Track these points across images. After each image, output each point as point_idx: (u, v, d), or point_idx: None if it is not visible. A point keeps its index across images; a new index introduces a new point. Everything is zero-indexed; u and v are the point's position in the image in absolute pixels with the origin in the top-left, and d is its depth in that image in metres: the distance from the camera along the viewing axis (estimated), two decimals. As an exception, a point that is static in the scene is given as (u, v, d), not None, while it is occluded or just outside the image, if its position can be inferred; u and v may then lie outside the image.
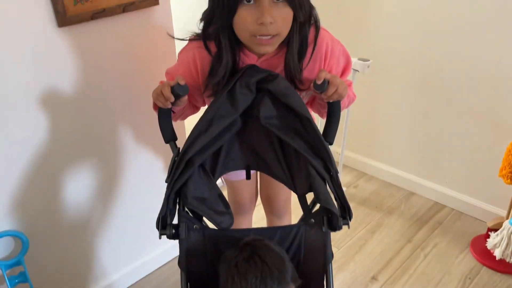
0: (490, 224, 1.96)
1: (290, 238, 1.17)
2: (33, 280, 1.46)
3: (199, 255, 1.15)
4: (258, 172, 1.57)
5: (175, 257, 2.01)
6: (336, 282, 1.86)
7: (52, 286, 1.62)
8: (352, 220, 2.19)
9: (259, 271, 0.99)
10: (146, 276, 1.93)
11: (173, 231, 1.10)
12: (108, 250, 1.76)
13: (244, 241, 1.08)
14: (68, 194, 1.55)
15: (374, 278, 1.90)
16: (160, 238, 1.09)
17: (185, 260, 1.12)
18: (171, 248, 1.99)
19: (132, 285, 1.89)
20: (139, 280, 1.91)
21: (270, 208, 1.63)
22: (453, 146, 2.18)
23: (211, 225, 1.17)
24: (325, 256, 1.11)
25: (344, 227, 1.09)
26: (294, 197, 1.60)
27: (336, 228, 1.09)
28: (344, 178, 2.56)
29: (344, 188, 1.16)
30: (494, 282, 1.85)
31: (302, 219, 1.20)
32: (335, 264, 1.93)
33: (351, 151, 2.63)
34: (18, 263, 1.44)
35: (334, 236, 2.07)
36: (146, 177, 1.76)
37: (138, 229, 1.82)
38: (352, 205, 1.11)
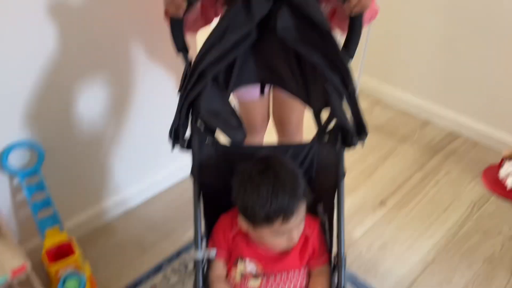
0: (505, 153, 1.94)
1: (302, 155, 1.16)
2: (49, 189, 1.51)
3: (211, 168, 1.16)
4: (271, 93, 1.54)
5: (188, 176, 2.03)
6: (344, 205, 1.88)
7: (68, 198, 1.68)
8: (365, 146, 2.22)
9: (271, 184, 0.99)
10: (159, 193, 1.98)
11: (186, 143, 1.10)
12: (121, 166, 1.78)
13: (260, 156, 1.08)
14: (81, 108, 1.55)
15: (382, 203, 1.92)
16: (172, 149, 1.10)
17: (197, 171, 1.13)
18: (183, 167, 1.99)
19: (144, 201, 1.94)
20: (151, 197, 1.96)
21: (282, 130, 1.62)
22: (475, 74, 2.10)
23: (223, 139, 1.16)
24: (337, 174, 1.10)
25: (358, 147, 1.08)
26: (306, 119, 1.60)
27: (350, 145, 1.08)
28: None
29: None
30: (502, 210, 1.86)
31: (316, 137, 1.18)
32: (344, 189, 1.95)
33: (368, 75, 2.53)
34: (35, 172, 1.47)
35: (346, 161, 2.07)
36: (159, 92, 1.73)
37: (150, 146, 1.83)
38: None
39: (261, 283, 1.11)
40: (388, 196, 1.95)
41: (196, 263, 1.06)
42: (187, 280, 1.60)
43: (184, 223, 1.83)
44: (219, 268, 1.13)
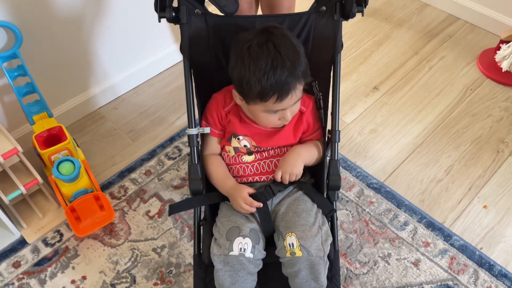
0: (503, 35, 1.87)
1: (299, 27, 1.10)
2: (34, 77, 1.44)
3: (201, 43, 1.10)
4: None
5: (178, 63, 1.98)
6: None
7: (53, 86, 1.62)
8: (359, 31, 2.13)
9: (270, 58, 0.94)
10: (148, 80, 1.93)
11: (173, 14, 1.02)
12: (106, 50, 1.70)
13: (261, 27, 1.01)
14: (56, -16, 1.41)
15: (376, 88, 1.90)
16: (159, 21, 1.03)
17: (187, 46, 1.07)
18: (173, 52, 1.94)
19: (133, 88, 1.90)
20: (141, 84, 1.91)
21: None
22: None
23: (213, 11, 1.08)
24: (334, 46, 1.06)
25: (358, 15, 1.02)
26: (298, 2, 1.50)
27: (349, 15, 1.02)
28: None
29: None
30: (495, 93, 1.86)
31: (313, 7, 1.11)
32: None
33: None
34: (14, 55, 1.39)
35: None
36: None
37: (138, 29, 1.74)
38: (359, 14, 1.02)
39: (254, 158, 1.11)
40: (381, 82, 1.92)
41: (190, 139, 1.06)
42: (181, 164, 1.63)
43: (175, 111, 1.81)
44: (213, 144, 1.14)
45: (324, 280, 1.01)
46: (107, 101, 1.83)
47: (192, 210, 1.22)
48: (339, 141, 1.07)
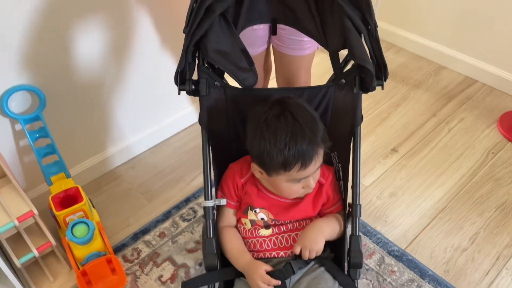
0: (524, 99, 1.85)
1: (317, 99, 1.10)
2: (54, 138, 1.46)
3: (220, 114, 1.10)
4: (272, 50, 1.45)
5: (195, 123, 1.99)
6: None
7: (72, 146, 1.64)
8: (376, 92, 2.13)
9: (290, 128, 0.93)
10: (164, 141, 1.93)
11: (193, 87, 1.03)
12: (124, 112, 1.72)
13: (275, 98, 1.01)
14: (80, 50, 1.46)
15: (394, 150, 1.87)
16: (179, 93, 1.03)
17: (206, 118, 1.06)
18: (190, 114, 1.95)
19: (149, 148, 1.90)
20: (157, 145, 1.92)
21: None
22: (492, 18, 1.96)
23: (232, 83, 1.09)
24: (354, 118, 1.05)
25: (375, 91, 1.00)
26: (314, 70, 1.52)
27: (369, 89, 1.01)
28: (371, 49, 2.41)
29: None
30: (518, 157, 1.81)
31: (332, 80, 1.12)
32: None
33: (380, 20, 2.41)
34: (37, 118, 1.42)
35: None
36: (162, 32, 1.63)
37: (154, 91, 1.76)
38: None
39: (272, 232, 1.08)
40: (400, 143, 1.89)
41: (206, 212, 1.03)
42: (196, 226, 1.59)
43: (192, 171, 1.80)
44: (229, 216, 1.11)
45: None
46: (123, 161, 1.83)
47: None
48: (360, 216, 1.03)
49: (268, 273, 0.99)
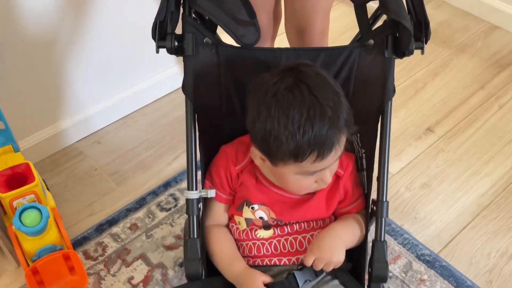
0: None
1: (337, 65, 1.08)
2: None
3: (210, 81, 1.08)
4: None
5: (178, 88, 1.96)
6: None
7: (22, 111, 1.63)
8: (409, 57, 2.14)
9: (306, 105, 0.89)
10: (140, 109, 1.93)
11: (176, 43, 1.02)
12: (87, 72, 1.72)
13: (287, 65, 0.98)
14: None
15: (429, 130, 1.88)
16: (157, 51, 1.02)
17: (192, 85, 1.05)
18: (173, 76, 1.94)
19: (123, 117, 1.90)
20: (133, 113, 1.92)
21: (301, 41, 1.50)
22: None
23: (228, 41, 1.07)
24: (384, 91, 1.04)
25: (416, 53, 1.00)
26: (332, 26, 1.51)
27: (405, 52, 1.00)
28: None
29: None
30: None
31: (357, 40, 1.10)
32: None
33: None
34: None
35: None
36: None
37: (127, 47, 1.75)
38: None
39: (273, 233, 1.08)
40: (437, 122, 1.90)
41: (189, 205, 1.03)
42: (177, 218, 1.60)
43: (173, 148, 1.80)
44: (219, 213, 1.12)
45: None
46: (87, 134, 1.83)
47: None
48: (387, 216, 1.02)
49: (266, 285, 0.98)
